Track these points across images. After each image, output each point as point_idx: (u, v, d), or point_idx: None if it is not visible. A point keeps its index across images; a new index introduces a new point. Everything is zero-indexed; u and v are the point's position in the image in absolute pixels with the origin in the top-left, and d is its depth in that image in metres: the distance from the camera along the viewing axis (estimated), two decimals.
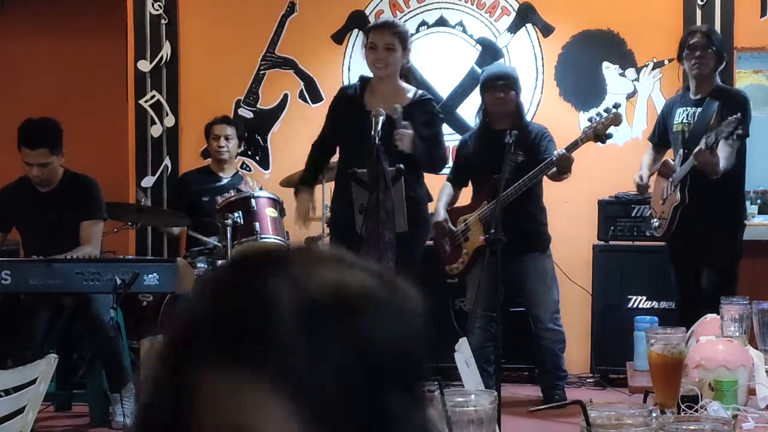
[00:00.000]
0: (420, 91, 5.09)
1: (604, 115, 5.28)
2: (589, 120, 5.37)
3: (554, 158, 5.23)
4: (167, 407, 0.80)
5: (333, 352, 0.78)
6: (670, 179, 5.27)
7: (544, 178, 5.46)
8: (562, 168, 5.28)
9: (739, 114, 4.91)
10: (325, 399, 0.77)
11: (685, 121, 5.30)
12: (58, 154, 5.14)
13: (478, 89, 5.74)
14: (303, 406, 0.77)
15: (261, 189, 6.42)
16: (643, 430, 1.56)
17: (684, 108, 5.34)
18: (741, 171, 5.27)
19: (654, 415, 1.63)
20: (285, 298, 0.79)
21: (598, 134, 5.28)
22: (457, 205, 5.70)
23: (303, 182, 5.24)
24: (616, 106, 5.40)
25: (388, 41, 4.93)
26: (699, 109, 5.25)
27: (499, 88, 5.43)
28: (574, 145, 5.27)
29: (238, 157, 6.91)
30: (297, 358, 0.77)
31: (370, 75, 5.08)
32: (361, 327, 0.80)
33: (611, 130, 5.34)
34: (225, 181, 6.36)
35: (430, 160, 5.00)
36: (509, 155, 5.04)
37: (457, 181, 5.72)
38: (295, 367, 0.77)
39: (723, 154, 5.00)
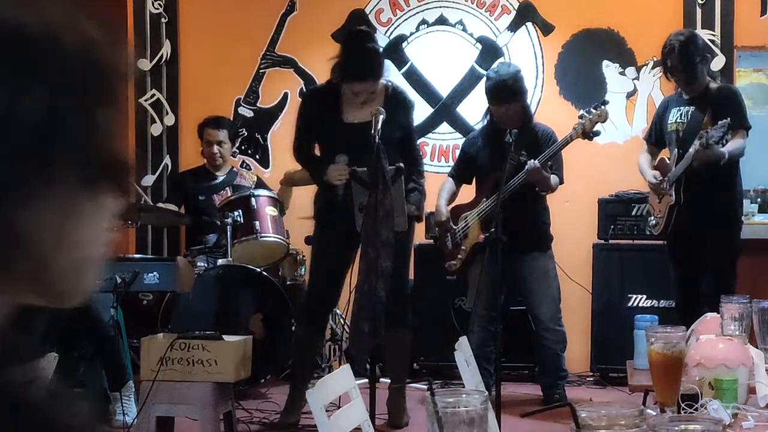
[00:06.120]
0: (389, 82, 5.10)
1: (593, 112, 5.30)
2: (580, 117, 5.37)
3: (528, 167, 5.23)
4: None
5: None
6: (666, 178, 5.28)
7: None
8: (534, 179, 5.26)
9: (728, 119, 4.94)
10: None
11: (679, 120, 5.31)
12: None
13: (483, 90, 5.67)
14: None
15: (258, 180, 6.43)
16: (633, 431, 1.56)
17: (678, 108, 5.35)
18: (736, 169, 5.27)
19: (645, 413, 1.63)
20: None
21: (586, 131, 5.30)
22: (460, 202, 5.67)
23: (319, 177, 5.07)
24: (604, 102, 5.41)
25: None
26: (692, 108, 5.26)
27: (504, 102, 5.37)
28: (565, 143, 5.28)
29: (238, 156, 6.92)
30: None
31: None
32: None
33: (598, 127, 5.35)
34: (221, 178, 6.38)
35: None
36: (510, 154, 5.04)
37: (459, 177, 5.67)
38: None
39: (734, 144, 5.04)
